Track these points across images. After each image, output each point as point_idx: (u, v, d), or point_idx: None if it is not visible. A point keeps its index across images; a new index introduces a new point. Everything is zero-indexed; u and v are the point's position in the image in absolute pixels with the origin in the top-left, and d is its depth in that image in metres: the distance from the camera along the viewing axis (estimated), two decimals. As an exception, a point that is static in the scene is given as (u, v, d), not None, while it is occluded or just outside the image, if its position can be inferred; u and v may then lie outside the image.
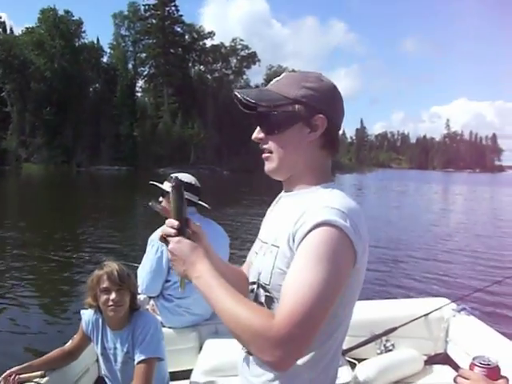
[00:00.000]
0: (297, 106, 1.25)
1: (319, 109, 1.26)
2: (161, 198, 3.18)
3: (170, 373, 2.73)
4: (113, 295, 2.32)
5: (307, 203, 1.21)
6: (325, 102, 1.27)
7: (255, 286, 1.33)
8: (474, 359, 1.25)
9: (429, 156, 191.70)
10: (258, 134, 1.31)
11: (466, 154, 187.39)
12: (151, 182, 3.24)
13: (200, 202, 3.23)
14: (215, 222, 3.42)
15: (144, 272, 3.12)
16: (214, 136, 71.42)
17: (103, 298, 2.34)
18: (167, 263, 3.10)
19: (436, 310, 3.34)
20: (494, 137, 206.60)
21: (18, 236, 12.33)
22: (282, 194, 1.42)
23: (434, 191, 44.48)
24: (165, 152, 66.20)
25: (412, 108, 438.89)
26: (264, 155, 1.32)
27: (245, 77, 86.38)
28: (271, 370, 1.23)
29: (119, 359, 2.45)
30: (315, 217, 1.14)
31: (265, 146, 1.31)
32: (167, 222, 1.30)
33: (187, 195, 2.86)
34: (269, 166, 1.32)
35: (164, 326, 3.00)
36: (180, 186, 1.31)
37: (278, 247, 1.24)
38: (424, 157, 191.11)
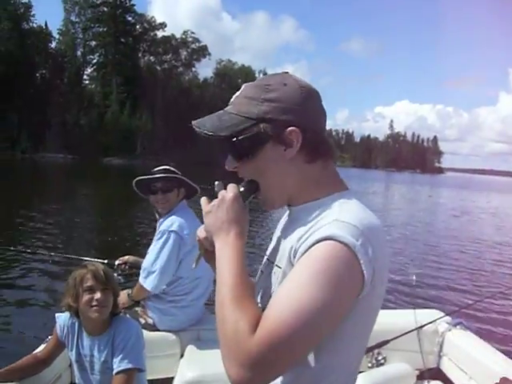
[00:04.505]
0: (262, 125, 1.06)
1: (288, 121, 1.06)
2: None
3: (149, 380, 2.51)
4: (98, 295, 2.15)
5: (315, 217, 1.06)
6: (293, 111, 1.07)
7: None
8: None
9: (372, 155, 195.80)
10: (231, 163, 1.14)
11: (408, 155, 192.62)
12: (138, 179, 3.07)
13: (193, 184, 3.13)
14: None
15: (159, 268, 2.89)
16: (161, 127, 71.51)
17: (86, 297, 2.16)
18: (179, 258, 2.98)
19: (430, 322, 3.21)
20: (435, 139, 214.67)
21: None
22: (287, 207, 1.25)
23: (399, 192, 45.49)
24: (111, 142, 65.86)
25: (357, 107, 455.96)
26: None
27: (194, 69, 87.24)
28: None
29: (96, 368, 2.27)
30: (321, 231, 0.98)
31: (244, 175, 1.15)
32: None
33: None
34: (261, 200, 1.16)
35: (145, 329, 2.81)
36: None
37: (280, 268, 1.12)
38: (367, 156, 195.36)
